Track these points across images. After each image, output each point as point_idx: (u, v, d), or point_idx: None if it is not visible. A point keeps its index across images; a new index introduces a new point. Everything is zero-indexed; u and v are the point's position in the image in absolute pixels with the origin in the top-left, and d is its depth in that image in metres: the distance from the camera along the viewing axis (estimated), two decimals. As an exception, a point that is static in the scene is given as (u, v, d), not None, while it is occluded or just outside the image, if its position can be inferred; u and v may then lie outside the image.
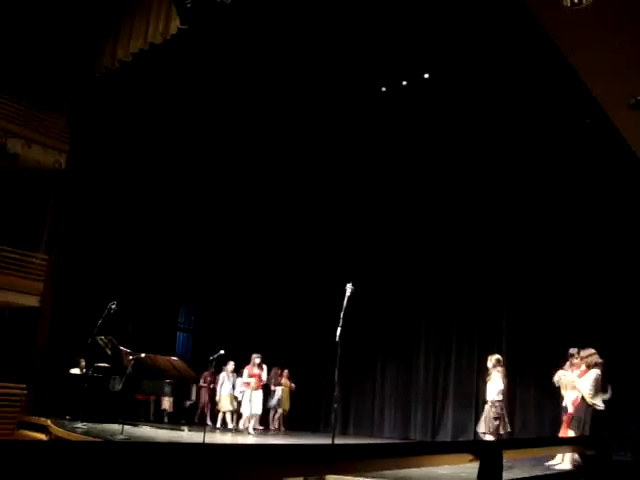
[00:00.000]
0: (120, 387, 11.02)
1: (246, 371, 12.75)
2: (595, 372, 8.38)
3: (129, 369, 10.67)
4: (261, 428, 13.64)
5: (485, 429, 9.06)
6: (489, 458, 2.43)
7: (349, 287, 8.65)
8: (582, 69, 6.48)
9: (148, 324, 15.36)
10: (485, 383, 9.72)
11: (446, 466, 6.56)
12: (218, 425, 13.66)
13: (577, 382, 8.68)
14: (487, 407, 9.28)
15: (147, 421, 13.58)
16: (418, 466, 5.36)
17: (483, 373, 11.47)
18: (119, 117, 14.28)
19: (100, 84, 14.08)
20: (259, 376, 12.66)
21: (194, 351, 16.45)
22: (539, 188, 12.80)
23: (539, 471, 7.84)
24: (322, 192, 15.84)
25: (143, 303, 15.23)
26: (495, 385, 9.27)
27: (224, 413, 13.69)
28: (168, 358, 12.25)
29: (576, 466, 7.81)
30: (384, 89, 13.67)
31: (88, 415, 11.08)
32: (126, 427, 10.21)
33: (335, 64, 12.79)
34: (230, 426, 13.44)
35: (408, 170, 14.63)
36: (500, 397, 9.18)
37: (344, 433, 14.14)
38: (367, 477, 5.11)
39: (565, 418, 9.04)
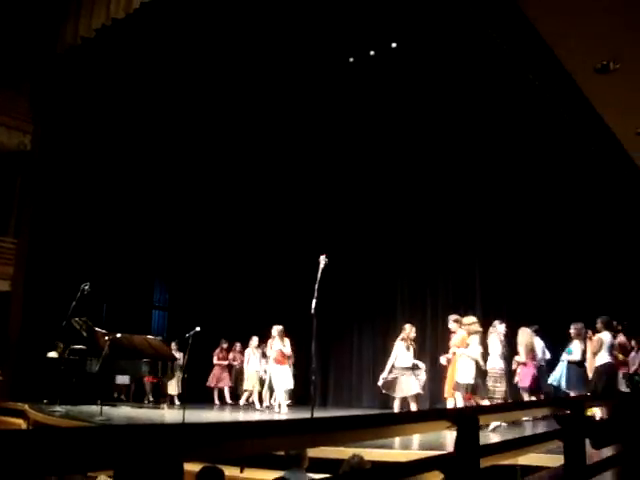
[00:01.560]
0: (97, 368, 10.96)
1: (273, 345, 11.94)
2: (477, 338, 9.46)
3: (105, 350, 10.61)
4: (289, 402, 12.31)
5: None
6: (466, 424, 2.47)
7: (323, 259, 8.69)
8: (549, 35, 6.50)
9: (123, 304, 15.26)
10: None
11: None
12: (242, 402, 13.28)
13: (465, 351, 9.48)
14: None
15: (157, 403, 13.43)
16: (397, 435, 5.45)
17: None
18: (84, 95, 13.97)
19: (63, 62, 13.75)
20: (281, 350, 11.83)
21: (170, 329, 16.40)
22: (510, 149, 12.92)
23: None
24: (293, 165, 15.77)
25: (117, 283, 15.10)
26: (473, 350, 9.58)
27: (250, 392, 13.19)
28: (144, 337, 12.18)
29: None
30: (352, 60, 13.59)
31: (66, 398, 11.02)
32: (105, 408, 10.20)
33: (302, 35, 12.65)
34: (259, 406, 12.82)
35: (378, 139, 14.63)
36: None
37: (323, 405, 14.28)
38: (347, 447, 5.18)
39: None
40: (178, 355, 13.17)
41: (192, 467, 4.18)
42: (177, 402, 13.38)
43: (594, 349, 9.02)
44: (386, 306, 14.38)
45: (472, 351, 9.50)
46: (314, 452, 4.92)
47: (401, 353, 10.49)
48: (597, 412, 8.13)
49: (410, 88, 13.70)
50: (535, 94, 10.58)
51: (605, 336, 8.97)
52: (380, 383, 10.70)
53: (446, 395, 10.03)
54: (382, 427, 2.33)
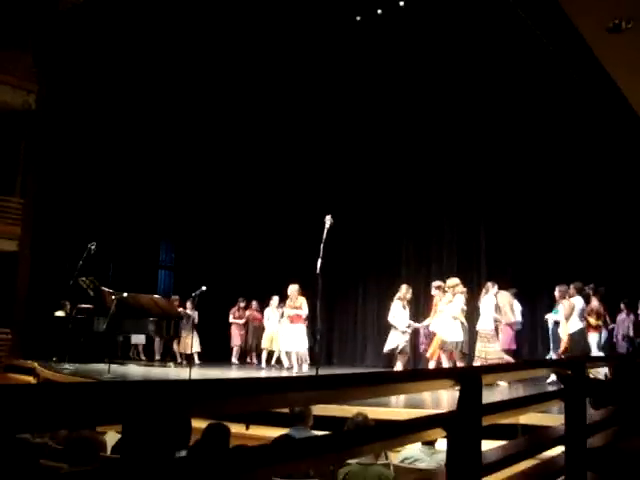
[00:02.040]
0: (104, 327, 11.09)
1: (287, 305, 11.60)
2: (461, 298, 9.93)
3: (112, 309, 10.72)
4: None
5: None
6: (469, 383, 2.50)
7: (328, 219, 8.73)
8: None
9: (129, 263, 15.34)
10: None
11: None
12: (263, 364, 12.90)
13: (447, 308, 9.95)
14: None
15: (174, 360, 13.35)
16: (402, 393, 5.51)
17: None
18: (89, 53, 13.82)
19: (66, 19, 13.58)
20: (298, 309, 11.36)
21: (176, 288, 16.50)
22: (518, 109, 12.80)
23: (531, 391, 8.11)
24: (297, 126, 15.65)
25: (123, 242, 15.15)
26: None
27: (268, 351, 12.93)
28: (150, 296, 12.29)
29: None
30: (359, 18, 13.39)
31: (74, 356, 11.19)
32: (112, 366, 10.34)
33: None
34: (285, 364, 11.86)
35: (383, 99, 14.50)
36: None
37: (328, 363, 14.42)
38: (351, 405, 5.26)
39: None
40: (193, 314, 13.19)
41: (199, 424, 4.26)
42: (197, 361, 13.12)
43: (566, 314, 9.23)
44: (390, 266, 14.42)
45: (455, 310, 9.84)
46: (318, 410, 4.99)
47: (398, 312, 10.68)
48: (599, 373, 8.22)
49: (418, 48, 13.52)
50: (545, 53, 10.42)
51: (577, 301, 9.23)
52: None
53: (428, 355, 10.38)
54: (387, 384, 2.36)
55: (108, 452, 4.20)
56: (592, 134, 11.86)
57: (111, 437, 4.50)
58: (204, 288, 10.61)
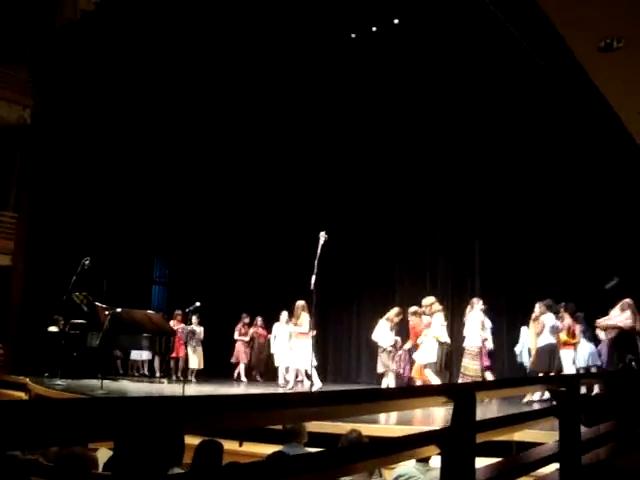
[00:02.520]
0: (97, 343, 11.03)
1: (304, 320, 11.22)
2: (440, 317, 9.97)
3: (106, 324, 10.67)
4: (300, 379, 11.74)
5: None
6: (462, 400, 2.50)
7: (322, 235, 8.75)
8: (551, 12, 6.43)
9: (123, 279, 15.28)
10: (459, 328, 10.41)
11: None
12: (281, 381, 12.08)
13: (429, 331, 10.04)
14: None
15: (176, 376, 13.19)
16: (395, 410, 5.49)
17: (457, 317, 11.83)
18: (84, 69, 13.87)
19: (62, 36, 13.64)
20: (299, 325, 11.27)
21: (170, 304, 16.45)
22: (511, 128, 12.88)
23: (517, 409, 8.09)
24: (294, 141, 15.69)
25: (117, 258, 15.11)
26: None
27: (284, 368, 12.10)
28: (144, 312, 12.24)
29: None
30: (354, 36, 13.49)
31: (67, 372, 11.12)
32: (105, 382, 10.28)
33: (303, 11, 12.53)
34: (293, 382, 11.52)
35: (378, 116, 14.57)
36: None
37: (322, 380, 14.34)
38: (345, 422, 5.24)
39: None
40: (198, 329, 13.09)
41: (192, 441, 4.23)
42: (193, 380, 12.92)
43: (537, 330, 9.42)
44: (385, 283, 14.42)
45: (435, 330, 9.94)
46: (312, 427, 4.97)
47: (383, 332, 10.87)
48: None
49: (412, 65, 13.61)
50: (537, 72, 10.51)
51: (548, 318, 9.39)
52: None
53: (413, 374, 10.50)
54: (379, 402, 2.36)
55: (100, 469, 4.16)
56: (585, 153, 11.92)
57: (103, 454, 4.46)
58: (198, 304, 10.59)
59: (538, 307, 9.64)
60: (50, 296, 12.49)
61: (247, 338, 13.86)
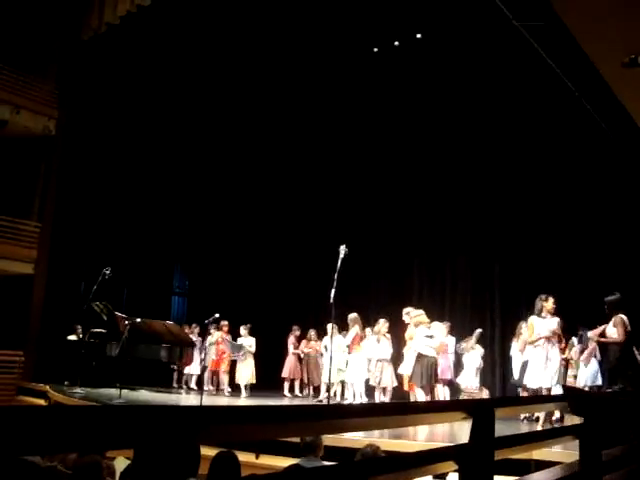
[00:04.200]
0: (117, 352, 11.09)
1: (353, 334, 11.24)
2: (423, 329, 9.94)
3: (125, 334, 10.73)
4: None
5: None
6: (482, 416, 2.47)
7: (343, 248, 8.72)
8: (574, 27, 6.41)
9: (143, 289, 15.38)
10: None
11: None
12: (338, 398, 11.53)
13: (411, 343, 10.05)
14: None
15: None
16: (414, 424, 5.45)
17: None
18: (108, 81, 14.07)
19: (88, 48, 13.86)
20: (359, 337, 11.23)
21: (189, 315, 16.51)
22: (530, 144, 12.81)
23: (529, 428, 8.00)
24: (317, 157, 15.75)
25: (138, 268, 15.22)
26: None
27: (339, 384, 11.67)
28: (163, 322, 12.29)
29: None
30: (376, 50, 13.54)
31: (86, 380, 11.19)
32: (123, 391, 10.31)
33: (325, 25, 12.62)
34: (355, 397, 11.11)
35: (398, 129, 14.56)
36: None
37: (342, 394, 14.28)
38: (363, 437, 5.21)
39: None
40: (249, 341, 12.62)
41: (208, 452, 4.22)
42: (245, 394, 12.35)
43: (520, 348, 9.91)
44: (403, 299, 14.30)
45: (415, 342, 9.90)
46: (329, 441, 4.94)
47: (371, 346, 11.02)
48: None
49: (433, 79, 13.61)
50: (561, 87, 10.47)
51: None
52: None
53: (406, 387, 10.52)
54: (398, 416, 2.34)
55: (117, 478, 4.17)
56: (608, 172, 11.80)
57: (120, 463, 4.48)
58: (217, 315, 10.60)
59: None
60: (71, 305, 12.60)
61: (301, 352, 13.36)
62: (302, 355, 13.40)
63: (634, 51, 6.50)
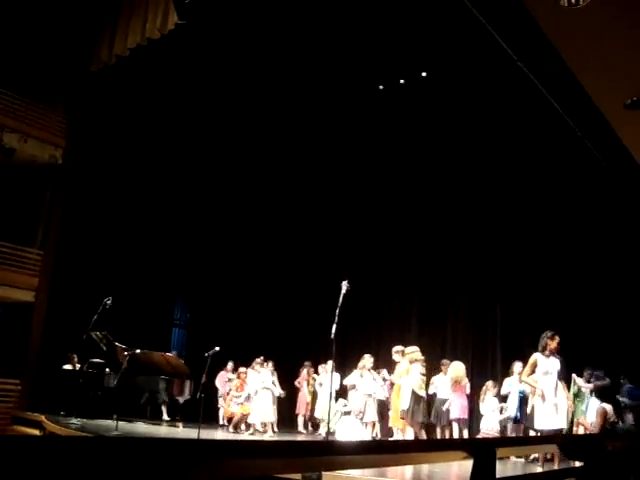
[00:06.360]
0: (115, 383, 11.00)
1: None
2: (417, 367, 10.00)
3: (124, 365, 10.65)
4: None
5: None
6: (483, 456, 2.43)
7: (345, 284, 8.70)
8: (578, 69, 6.49)
9: (143, 320, 15.31)
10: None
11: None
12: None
13: (404, 379, 10.15)
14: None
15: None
16: (414, 463, 5.37)
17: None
18: (116, 112, 14.22)
19: (97, 79, 14.02)
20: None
21: (189, 347, 16.42)
22: (532, 184, 12.87)
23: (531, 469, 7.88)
24: (317, 191, 15.82)
25: (138, 299, 15.17)
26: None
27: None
28: (163, 354, 12.21)
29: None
30: (381, 87, 13.68)
31: (83, 411, 11.06)
32: (120, 423, 10.20)
33: (332, 62, 12.78)
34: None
35: (403, 168, 14.65)
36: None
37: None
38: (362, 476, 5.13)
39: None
40: (270, 377, 12.21)
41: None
42: (271, 432, 11.90)
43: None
44: (404, 337, 14.23)
45: (411, 379, 9.95)
46: (327, 478, 4.86)
47: (356, 381, 11.24)
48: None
49: (438, 117, 13.73)
50: (563, 128, 10.54)
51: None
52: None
53: (391, 424, 10.58)
54: (399, 454, 2.30)
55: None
56: (609, 212, 11.83)
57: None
58: (217, 348, 10.54)
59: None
60: (70, 334, 12.53)
61: (308, 387, 13.27)
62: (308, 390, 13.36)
63: (636, 93, 6.57)
